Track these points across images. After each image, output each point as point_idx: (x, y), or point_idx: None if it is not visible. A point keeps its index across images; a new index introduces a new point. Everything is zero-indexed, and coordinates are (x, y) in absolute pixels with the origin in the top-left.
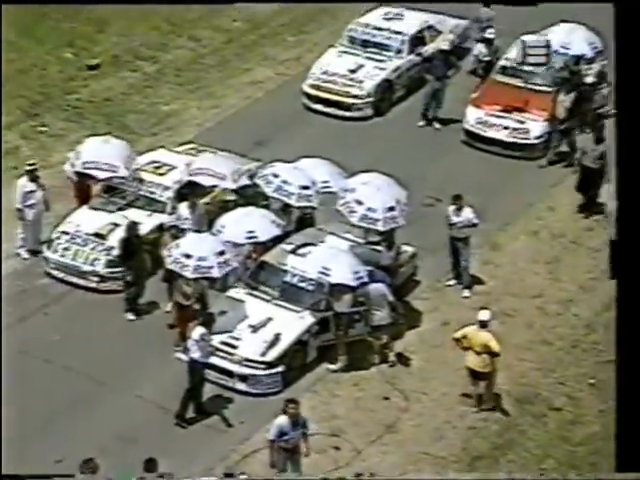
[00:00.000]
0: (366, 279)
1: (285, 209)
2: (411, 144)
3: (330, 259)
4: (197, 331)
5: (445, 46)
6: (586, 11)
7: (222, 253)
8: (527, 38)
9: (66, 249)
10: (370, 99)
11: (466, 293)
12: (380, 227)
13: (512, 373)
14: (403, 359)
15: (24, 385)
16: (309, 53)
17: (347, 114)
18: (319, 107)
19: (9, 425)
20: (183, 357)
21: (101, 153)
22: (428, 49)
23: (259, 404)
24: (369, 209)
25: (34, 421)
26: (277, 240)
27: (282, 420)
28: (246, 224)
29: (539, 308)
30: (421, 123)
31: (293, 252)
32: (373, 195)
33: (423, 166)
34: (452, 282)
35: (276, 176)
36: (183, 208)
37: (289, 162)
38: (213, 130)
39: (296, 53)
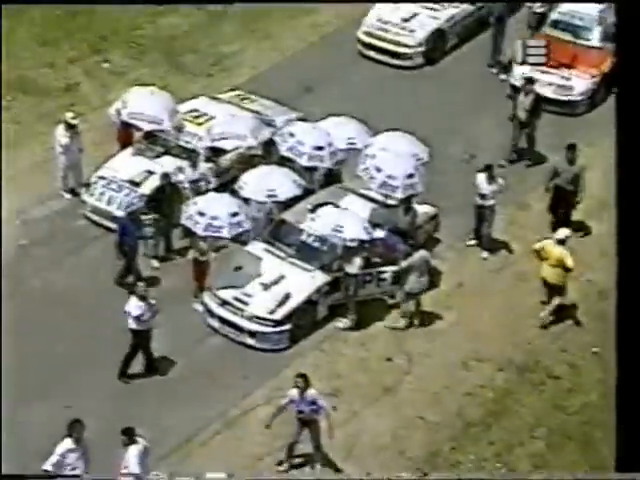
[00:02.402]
0: (375, 234)
1: (309, 167)
2: (459, 95)
3: (342, 218)
4: (130, 304)
5: None
6: None
7: (235, 215)
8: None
9: (102, 194)
10: (421, 48)
11: (485, 254)
12: (399, 194)
13: (517, 338)
14: (417, 319)
15: (43, 327)
16: None
17: (398, 62)
18: (372, 54)
19: (20, 364)
20: (199, 308)
21: (146, 105)
22: None
23: (263, 361)
24: (389, 176)
25: (44, 365)
26: (299, 198)
27: (293, 392)
28: (267, 182)
29: None
30: (494, 71)
31: (312, 211)
32: (393, 162)
33: (465, 119)
34: (472, 242)
35: (292, 135)
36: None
37: (331, 113)
38: (266, 74)
39: None
